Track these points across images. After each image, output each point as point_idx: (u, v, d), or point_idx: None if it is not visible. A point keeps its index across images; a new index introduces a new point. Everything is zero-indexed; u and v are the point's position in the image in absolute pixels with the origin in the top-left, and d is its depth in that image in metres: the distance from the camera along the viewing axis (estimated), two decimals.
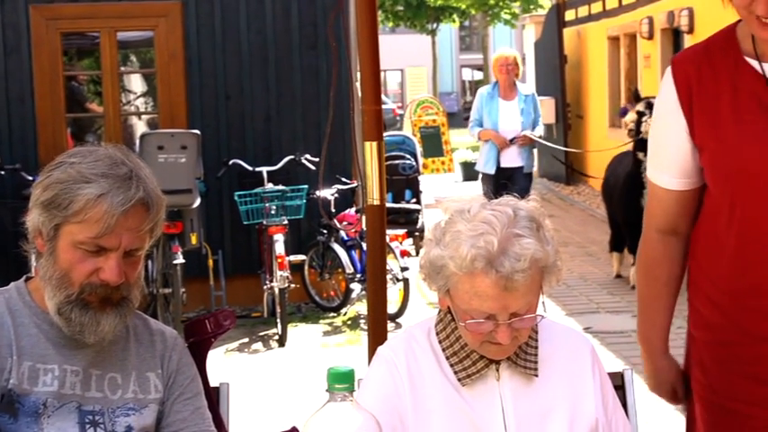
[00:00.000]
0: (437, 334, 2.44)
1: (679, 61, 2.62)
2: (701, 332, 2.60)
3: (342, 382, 1.92)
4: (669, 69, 2.61)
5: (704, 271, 2.59)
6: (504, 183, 9.17)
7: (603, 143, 15.03)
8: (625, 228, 9.35)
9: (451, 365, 2.40)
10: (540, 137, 10.29)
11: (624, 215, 9.31)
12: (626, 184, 9.15)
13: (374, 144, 3.68)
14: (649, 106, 8.70)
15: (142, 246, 2.33)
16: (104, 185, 2.27)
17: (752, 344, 2.49)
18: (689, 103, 2.54)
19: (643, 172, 8.77)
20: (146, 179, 2.33)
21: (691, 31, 12.76)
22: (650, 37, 14.43)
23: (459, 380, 2.39)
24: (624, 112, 11.70)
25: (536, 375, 2.40)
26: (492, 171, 9.78)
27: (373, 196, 3.69)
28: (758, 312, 2.48)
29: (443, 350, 2.42)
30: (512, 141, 9.79)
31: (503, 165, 9.79)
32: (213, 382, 2.69)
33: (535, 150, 11.76)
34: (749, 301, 2.49)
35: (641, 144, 8.76)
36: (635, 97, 9.91)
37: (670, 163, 2.61)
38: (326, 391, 1.93)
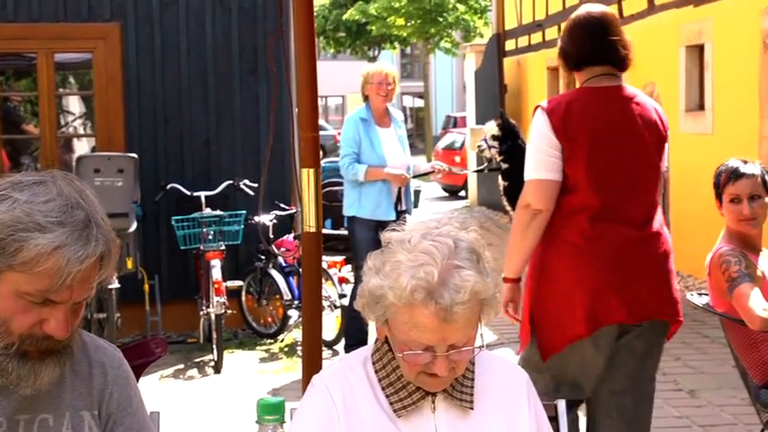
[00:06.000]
0: (373, 363, 2.41)
1: None
2: None
3: (271, 413, 1.89)
4: None
5: None
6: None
7: None
8: None
9: (387, 396, 2.37)
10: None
11: None
12: None
13: (311, 171, 3.66)
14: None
15: (90, 294, 2.11)
16: (60, 236, 2.00)
17: None
18: None
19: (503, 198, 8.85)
20: (102, 223, 2.08)
21: None
22: None
23: (394, 410, 2.36)
24: None
25: (471, 408, 2.38)
26: (393, 216, 7.73)
27: (309, 223, 3.66)
28: None
29: (379, 380, 2.39)
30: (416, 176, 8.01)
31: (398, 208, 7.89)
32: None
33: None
34: None
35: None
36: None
37: None
38: (256, 422, 1.90)
